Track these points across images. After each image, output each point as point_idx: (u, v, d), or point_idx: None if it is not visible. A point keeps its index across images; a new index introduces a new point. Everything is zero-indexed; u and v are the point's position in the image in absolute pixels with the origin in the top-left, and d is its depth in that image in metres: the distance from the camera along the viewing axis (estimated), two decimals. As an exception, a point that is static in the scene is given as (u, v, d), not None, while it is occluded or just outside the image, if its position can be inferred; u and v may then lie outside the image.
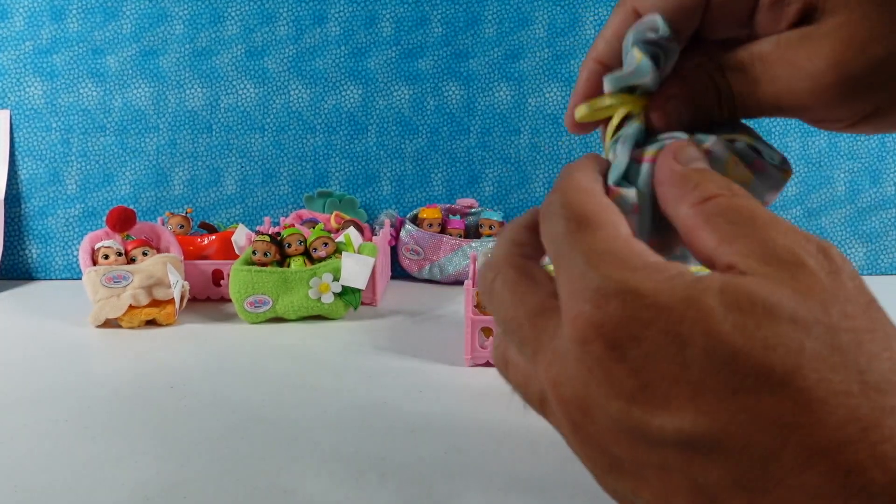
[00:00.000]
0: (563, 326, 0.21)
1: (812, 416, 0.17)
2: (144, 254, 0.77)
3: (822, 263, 0.19)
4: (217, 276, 0.84)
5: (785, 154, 1.01)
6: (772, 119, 0.99)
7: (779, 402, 0.17)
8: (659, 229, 0.25)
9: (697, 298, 0.18)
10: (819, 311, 0.18)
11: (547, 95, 1.00)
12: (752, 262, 0.19)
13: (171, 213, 0.90)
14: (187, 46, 0.97)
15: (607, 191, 0.24)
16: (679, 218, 0.23)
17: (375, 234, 0.93)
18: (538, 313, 0.22)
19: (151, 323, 0.74)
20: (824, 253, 0.20)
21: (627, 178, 0.25)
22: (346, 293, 0.76)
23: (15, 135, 0.96)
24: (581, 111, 0.26)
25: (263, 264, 0.75)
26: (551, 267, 0.23)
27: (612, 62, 0.28)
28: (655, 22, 0.25)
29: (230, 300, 0.80)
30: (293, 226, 0.86)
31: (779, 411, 0.17)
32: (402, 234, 0.94)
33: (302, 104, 0.99)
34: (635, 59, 0.25)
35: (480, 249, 0.89)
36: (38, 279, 0.97)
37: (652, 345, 0.18)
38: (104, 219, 0.79)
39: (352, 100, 0.99)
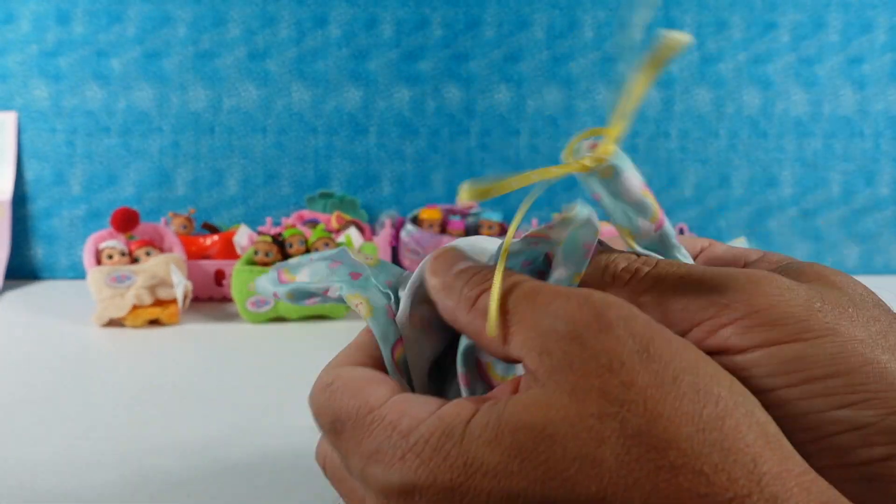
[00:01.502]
0: None
1: None
2: (148, 254, 0.77)
3: (593, 328, 0.18)
4: (219, 276, 0.84)
5: (781, 155, 1.03)
6: (768, 120, 1.00)
7: None
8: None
9: (476, 457, 0.17)
10: (598, 407, 0.17)
11: (546, 97, 1.00)
12: (534, 357, 0.18)
13: (175, 214, 0.91)
14: (190, 49, 0.98)
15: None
16: (465, 328, 0.22)
17: (376, 235, 0.94)
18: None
19: (155, 322, 0.74)
20: (595, 315, 0.18)
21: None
22: (347, 293, 0.77)
23: (21, 136, 0.97)
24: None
25: (265, 264, 0.76)
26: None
27: None
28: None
29: (232, 300, 0.81)
30: (294, 226, 0.87)
31: None
32: (403, 234, 0.95)
33: (303, 105, 1.00)
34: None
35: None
36: (44, 279, 0.98)
37: None
38: (108, 219, 0.80)
39: (353, 101, 1.00)
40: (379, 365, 0.24)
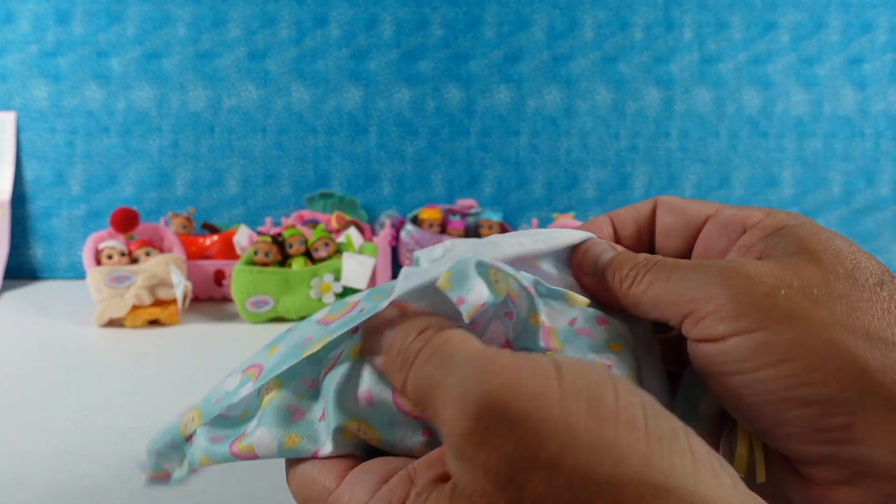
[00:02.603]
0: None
1: None
2: (148, 254, 0.77)
3: (473, 440, 0.17)
4: (219, 277, 0.84)
5: (781, 155, 1.02)
6: (768, 120, 1.00)
7: None
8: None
9: None
10: None
11: (546, 97, 1.00)
12: (449, 456, 0.18)
13: (174, 214, 0.91)
14: (190, 49, 0.98)
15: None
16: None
17: (376, 235, 0.94)
18: None
19: (155, 322, 0.74)
20: (475, 420, 0.17)
21: None
22: (347, 293, 0.77)
23: (20, 136, 0.97)
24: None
25: (265, 265, 0.76)
26: None
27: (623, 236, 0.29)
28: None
29: (232, 300, 0.81)
30: (294, 226, 0.87)
31: None
32: (403, 234, 0.95)
33: (303, 105, 1.00)
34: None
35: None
36: (43, 279, 0.98)
37: None
38: (108, 219, 0.80)
39: (353, 101, 1.00)
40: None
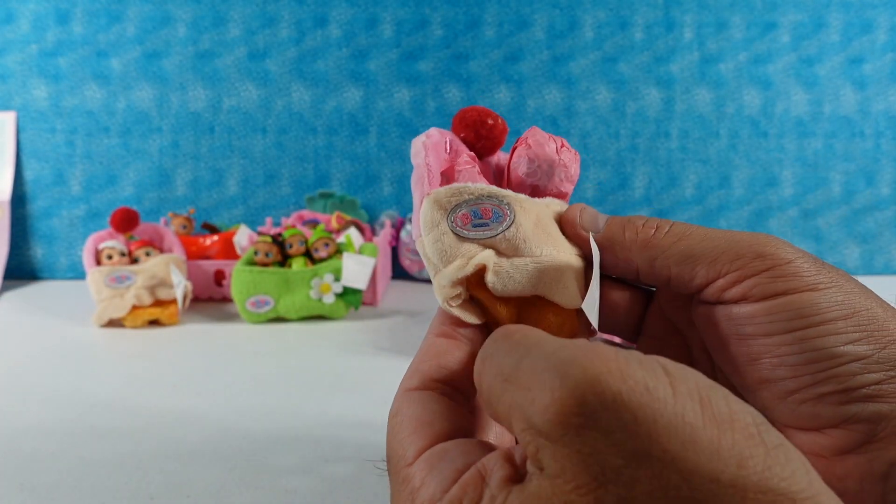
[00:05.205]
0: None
1: None
2: (147, 254, 0.77)
3: (574, 424, 0.16)
4: (219, 277, 0.84)
5: (781, 155, 1.02)
6: (768, 120, 1.00)
7: None
8: None
9: None
10: None
11: (546, 97, 1.00)
12: (531, 449, 0.17)
13: (174, 214, 0.91)
14: (190, 49, 0.98)
15: None
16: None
17: (376, 235, 0.94)
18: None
19: (154, 323, 0.74)
20: (576, 403, 0.16)
21: None
22: (347, 293, 0.77)
23: (20, 136, 0.97)
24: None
25: (265, 265, 0.76)
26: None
27: None
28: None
29: (232, 300, 0.81)
30: (294, 226, 0.87)
31: None
32: (403, 234, 0.95)
33: (303, 105, 1.00)
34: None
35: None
36: (43, 279, 0.98)
37: None
38: (108, 219, 0.80)
39: (353, 101, 1.00)
40: (452, 376, 0.25)
